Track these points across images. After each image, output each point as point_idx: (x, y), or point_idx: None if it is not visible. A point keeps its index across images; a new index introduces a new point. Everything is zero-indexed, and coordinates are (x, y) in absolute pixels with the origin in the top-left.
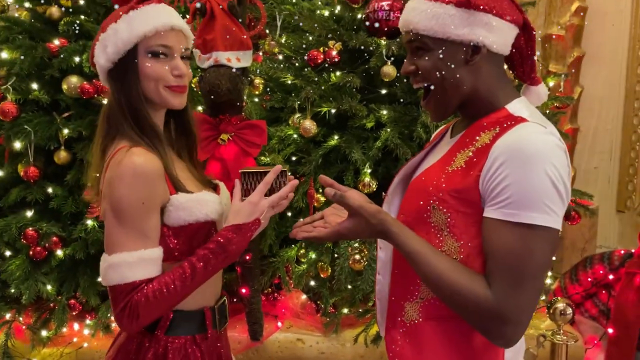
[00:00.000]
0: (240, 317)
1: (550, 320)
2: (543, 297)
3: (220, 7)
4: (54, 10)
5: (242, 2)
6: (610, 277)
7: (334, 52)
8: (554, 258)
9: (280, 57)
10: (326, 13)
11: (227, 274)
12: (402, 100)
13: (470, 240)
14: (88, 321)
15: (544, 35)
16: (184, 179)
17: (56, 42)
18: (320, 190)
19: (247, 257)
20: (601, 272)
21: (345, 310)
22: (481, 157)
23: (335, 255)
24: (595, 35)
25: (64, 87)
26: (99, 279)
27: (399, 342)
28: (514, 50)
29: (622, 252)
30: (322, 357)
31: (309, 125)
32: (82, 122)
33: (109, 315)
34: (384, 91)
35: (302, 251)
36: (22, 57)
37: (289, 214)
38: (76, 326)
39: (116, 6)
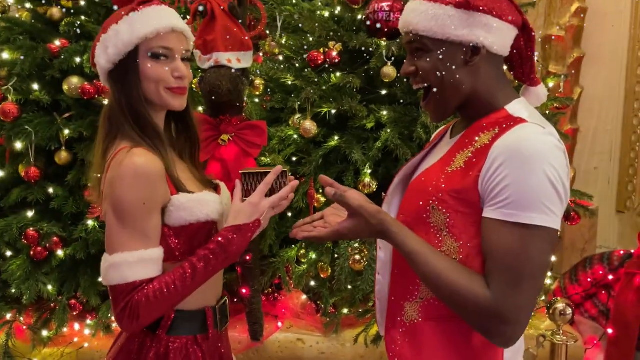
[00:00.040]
0: (240, 317)
1: (550, 320)
2: (543, 298)
3: (222, 8)
4: (55, 11)
5: (242, 3)
6: (610, 277)
7: (334, 53)
8: (553, 258)
9: (281, 57)
10: (326, 14)
11: (227, 274)
12: (402, 101)
13: (470, 241)
14: (89, 321)
15: (544, 36)
16: (185, 179)
17: (57, 42)
18: (321, 191)
19: (248, 258)
20: (601, 272)
21: (346, 311)
22: (480, 157)
23: (336, 256)
24: (595, 36)
25: (65, 87)
26: (100, 279)
27: (398, 342)
28: (513, 51)
29: (622, 252)
30: (322, 357)
31: (309, 125)
32: (83, 122)
33: (109, 315)
34: (384, 92)
35: (303, 251)
36: (23, 58)
37: (289, 214)
38: (77, 326)
39: (115, 7)
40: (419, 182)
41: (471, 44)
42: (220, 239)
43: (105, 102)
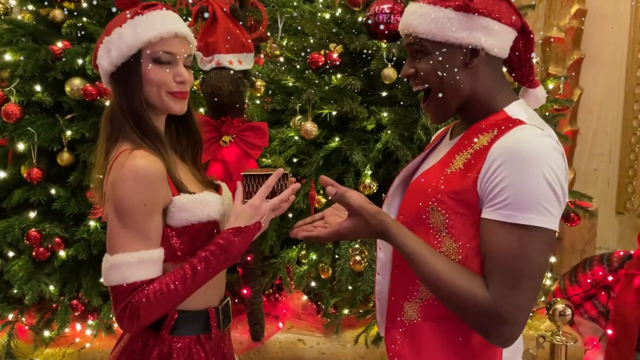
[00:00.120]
0: (241, 318)
1: (550, 321)
2: (543, 298)
3: (224, 10)
4: (57, 13)
5: (243, 4)
6: (610, 278)
7: (335, 55)
8: (553, 259)
9: (282, 59)
10: (327, 16)
11: (228, 275)
12: (402, 102)
13: (469, 241)
14: (90, 321)
15: (543, 38)
16: (186, 180)
17: (59, 44)
18: (321, 192)
19: (249, 258)
20: (600, 273)
21: (346, 311)
22: (479, 159)
23: (336, 256)
24: (594, 38)
25: (67, 89)
26: (102, 280)
27: (398, 342)
28: (512, 54)
29: (622, 253)
30: (322, 357)
31: (310, 127)
32: (85, 124)
33: (111, 315)
34: (384, 93)
35: (303, 252)
36: (25, 59)
37: (290, 215)
38: (78, 327)
39: (114, 9)
40: (418, 183)
41: (470, 46)
42: (220, 240)
43: (107, 103)
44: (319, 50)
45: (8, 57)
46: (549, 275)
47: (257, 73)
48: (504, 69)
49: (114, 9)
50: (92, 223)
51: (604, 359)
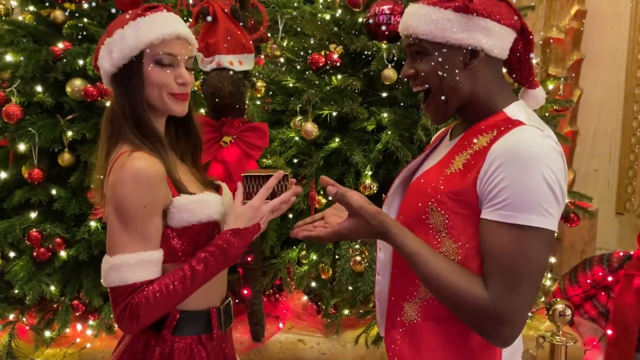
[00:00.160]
0: (242, 318)
1: (550, 321)
2: (543, 299)
3: (224, 11)
4: (58, 14)
5: (244, 5)
6: (610, 279)
7: (335, 56)
8: (553, 260)
9: (282, 60)
10: (327, 17)
11: (229, 276)
12: (402, 103)
13: (468, 242)
14: (91, 322)
15: (543, 39)
16: (186, 181)
17: (60, 45)
18: (322, 192)
19: (249, 259)
20: (600, 274)
21: (346, 312)
22: (479, 159)
23: (336, 257)
24: (594, 38)
25: (68, 89)
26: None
27: (398, 342)
28: (512, 54)
29: (621, 254)
30: (323, 357)
31: (311, 127)
32: (86, 124)
33: (111, 316)
34: (384, 94)
35: (303, 252)
36: (25, 60)
37: (291, 215)
38: (79, 327)
39: (113, 10)
40: (418, 183)
41: (470, 47)
42: (219, 241)
43: (108, 104)
44: (319, 51)
45: (9, 57)
46: (549, 275)
47: (257, 74)
48: (504, 70)
49: (113, 10)
50: (92, 223)
51: (603, 359)
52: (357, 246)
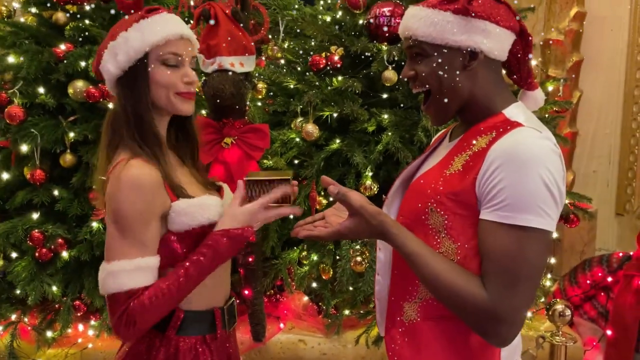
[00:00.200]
0: (243, 319)
1: (550, 321)
2: (542, 299)
3: (225, 13)
4: (60, 16)
5: (245, 7)
6: (609, 279)
7: (336, 57)
8: (553, 260)
9: (283, 61)
10: (328, 19)
11: (230, 276)
12: (403, 104)
13: (467, 242)
14: (93, 322)
15: (543, 41)
16: (186, 183)
17: (62, 46)
18: (322, 193)
19: (250, 259)
20: (600, 274)
21: (347, 312)
22: (478, 160)
23: (337, 257)
24: (594, 40)
25: (70, 91)
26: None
27: (398, 342)
28: (511, 56)
29: (621, 254)
30: (323, 358)
31: (311, 129)
32: (88, 125)
33: None
34: (385, 95)
35: (304, 253)
36: (27, 61)
37: (291, 216)
38: (81, 327)
39: (113, 11)
40: (418, 184)
41: (469, 49)
42: (210, 241)
43: (110, 105)
44: (320, 53)
45: (11, 59)
46: (549, 276)
47: (258, 75)
48: (503, 72)
49: (112, 11)
50: (94, 224)
51: (603, 359)
52: (358, 247)
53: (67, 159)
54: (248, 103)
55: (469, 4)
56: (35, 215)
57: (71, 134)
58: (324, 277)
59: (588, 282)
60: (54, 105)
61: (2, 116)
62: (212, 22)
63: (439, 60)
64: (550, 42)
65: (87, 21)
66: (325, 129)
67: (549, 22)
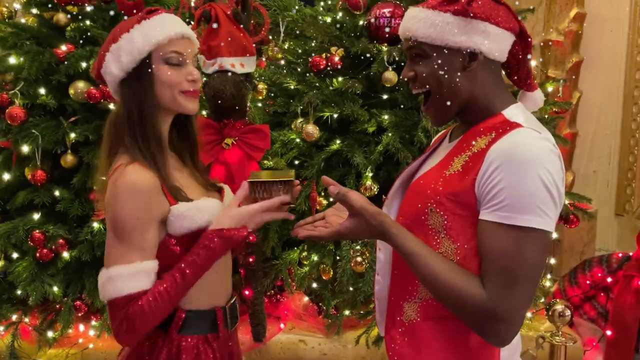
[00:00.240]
0: (243, 319)
1: (549, 322)
2: (542, 300)
3: (226, 14)
4: (61, 17)
5: (246, 8)
6: (609, 279)
7: (336, 58)
8: (553, 261)
9: (283, 62)
10: (328, 20)
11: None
12: (403, 105)
13: (467, 242)
14: (93, 322)
15: (543, 41)
16: (187, 186)
17: (63, 47)
18: (323, 194)
19: (250, 260)
20: (599, 275)
21: (347, 312)
22: (477, 161)
23: (337, 258)
24: (593, 41)
25: (71, 92)
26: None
27: (398, 341)
28: (511, 57)
29: (621, 255)
30: (324, 358)
31: (312, 129)
32: (89, 126)
33: None
34: (385, 96)
35: (305, 253)
36: (28, 62)
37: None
38: (82, 327)
39: (112, 13)
40: (417, 185)
41: (469, 50)
42: (205, 241)
43: (111, 106)
44: (320, 54)
45: (12, 60)
46: (549, 276)
47: (259, 76)
48: (503, 73)
49: (111, 13)
50: (95, 224)
51: None
52: (358, 247)
53: (68, 159)
54: (248, 104)
55: (468, 5)
56: (36, 216)
57: (72, 135)
58: (324, 278)
59: (588, 282)
60: (55, 106)
61: (3, 117)
62: (215, 25)
63: (439, 61)
64: (550, 43)
65: (88, 22)
66: (326, 130)
67: (549, 23)
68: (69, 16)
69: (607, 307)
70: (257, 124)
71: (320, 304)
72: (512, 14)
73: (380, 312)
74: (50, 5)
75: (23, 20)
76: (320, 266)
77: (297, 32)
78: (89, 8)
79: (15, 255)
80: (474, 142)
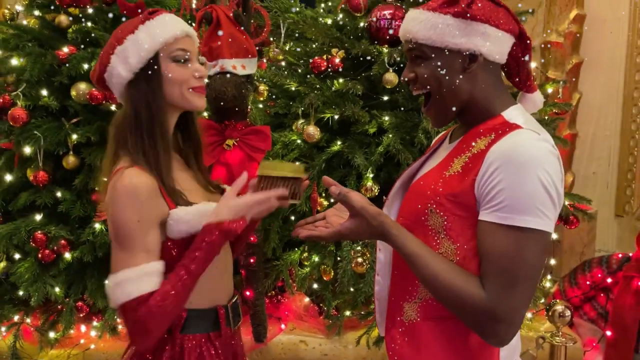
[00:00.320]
0: (244, 319)
1: (550, 322)
2: (542, 300)
3: (228, 15)
4: (63, 18)
5: (247, 10)
6: (609, 280)
7: (337, 60)
8: (552, 261)
9: (284, 64)
10: (329, 21)
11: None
12: (403, 106)
13: (466, 243)
14: (95, 323)
15: (543, 43)
16: (189, 189)
17: (65, 49)
18: (324, 195)
19: (251, 261)
20: (599, 275)
21: (348, 313)
22: (477, 162)
23: (338, 258)
24: (593, 42)
25: (73, 93)
26: (107, 281)
27: (398, 342)
28: (510, 59)
29: (620, 256)
30: (324, 358)
31: (313, 130)
32: (91, 127)
33: (115, 317)
34: (385, 98)
35: (305, 254)
36: (30, 64)
37: (292, 217)
38: (83, 328)
39: (111, 14)
40: (417, 185)
41: (469, 52)
42: (205, 237)
43: (113, 107)
44: (321, 55)
45: (14, 61)
46: (549, 277)
47: (260, 77)
48: (502, 74)
49: (111, 15)
50: (97, 225)
51: None
52: (359, 248)
53: (70, 160)
54: (250, 105)
55: (469, 8)
56: (38, 217)
57: (74, 136)
58: (325, 278)
59: (588, 283)
60: (57, 108)
61: (6, 118)
62: (220, 33)
63: (439, 63)
64: (550, 44)
65: (89, 24)
66: (327, 131)
67: (549, 25)
68: (70, 18)
69: (607, 308)
70: (258, 125)
71: (321, 305)
72: (512, 16)
73: (381, 312)
74: (52, 7)
75: (25, 22)
76: (321, 267)
77: (298, 33)
78: (90, 10)
79: (17, 256)
80: (473, 143)
